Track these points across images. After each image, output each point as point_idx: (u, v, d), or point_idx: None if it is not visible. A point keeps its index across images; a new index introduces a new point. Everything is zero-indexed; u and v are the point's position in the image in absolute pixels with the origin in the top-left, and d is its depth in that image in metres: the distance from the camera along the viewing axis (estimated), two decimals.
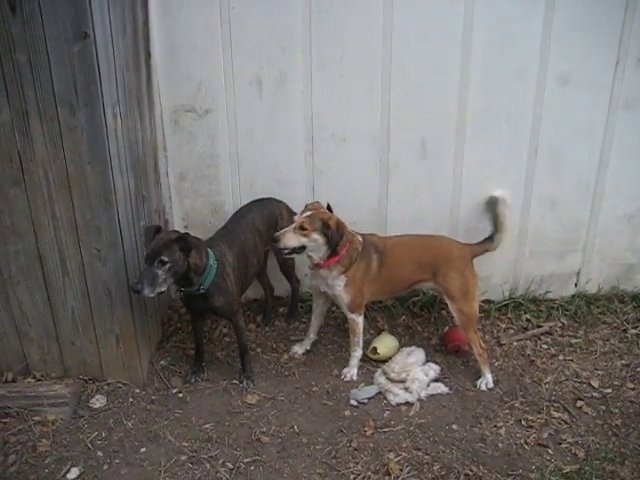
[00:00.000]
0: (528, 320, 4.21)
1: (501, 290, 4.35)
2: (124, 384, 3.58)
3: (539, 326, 4.15)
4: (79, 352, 3.51)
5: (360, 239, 3.57)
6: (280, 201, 3.94)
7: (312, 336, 3.95)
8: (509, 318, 4.23)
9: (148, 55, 3.66)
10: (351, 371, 3.72)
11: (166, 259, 3.08)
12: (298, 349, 3.93)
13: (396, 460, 3.09)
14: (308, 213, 3.38)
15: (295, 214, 3.86)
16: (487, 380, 3.64)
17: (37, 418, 3.32)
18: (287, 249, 3.38)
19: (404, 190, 4.07)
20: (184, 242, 3.15)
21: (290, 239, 3.34)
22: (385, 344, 3.85)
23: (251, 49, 3.71)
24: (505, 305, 4.30)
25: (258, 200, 3.91)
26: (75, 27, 2.77)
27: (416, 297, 4.27)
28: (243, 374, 3.66)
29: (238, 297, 3.61)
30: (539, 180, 4.05)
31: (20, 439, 3.21)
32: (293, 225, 3.37)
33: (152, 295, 3.13)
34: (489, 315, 4.23)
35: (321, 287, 3.65)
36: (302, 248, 3.39)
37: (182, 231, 3.42)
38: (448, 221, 4.13)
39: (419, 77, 3.78)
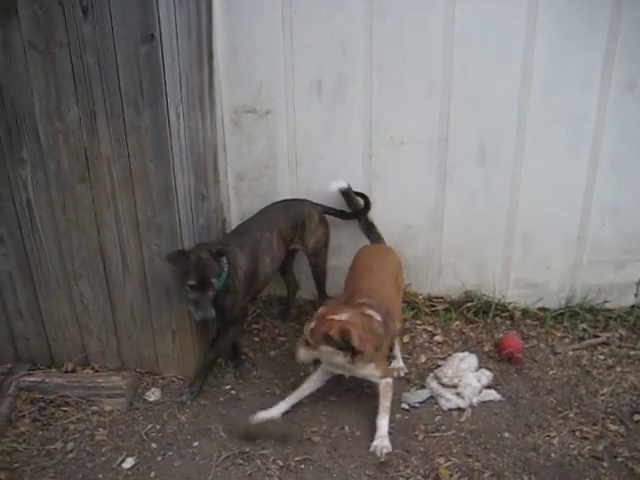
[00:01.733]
0: (584, 330, 4.12)
1: (557, 298, 4.27)
2: (178, 378, 3.65)
3: (596, 336, 4.05)
4: (136, 346, 3.59)
5: (379, 319, 3.25)
6: (314, 203, 3.92)
7: None
8: (565, 327, 4.14)
9: (211, 56, 3.71)
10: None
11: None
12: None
13: (446, 465, 3.07)
14: (312, 325, 3.17)
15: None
16: None
17: (94, 408, 3.42)
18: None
19: (461, 195, 4.03)
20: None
21: (303, 355, 3.26)
22: None
23: (312, 51, 3.74)
24: (561, 314, 4.22)
25: (287, 200, 3.94)
26: (143, 29, 2.85)
27: (470, 302, 4.24)
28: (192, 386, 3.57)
29: (242, 301, 3.57)
30: (600, 188, 3.96)
31: (78, 427, 3.31)
32: (301, 339, 3.27)
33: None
34: (544, 323, 4.16)
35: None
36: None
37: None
38: (505, 227, 4.09)
39: (479, 81, 3.74)
